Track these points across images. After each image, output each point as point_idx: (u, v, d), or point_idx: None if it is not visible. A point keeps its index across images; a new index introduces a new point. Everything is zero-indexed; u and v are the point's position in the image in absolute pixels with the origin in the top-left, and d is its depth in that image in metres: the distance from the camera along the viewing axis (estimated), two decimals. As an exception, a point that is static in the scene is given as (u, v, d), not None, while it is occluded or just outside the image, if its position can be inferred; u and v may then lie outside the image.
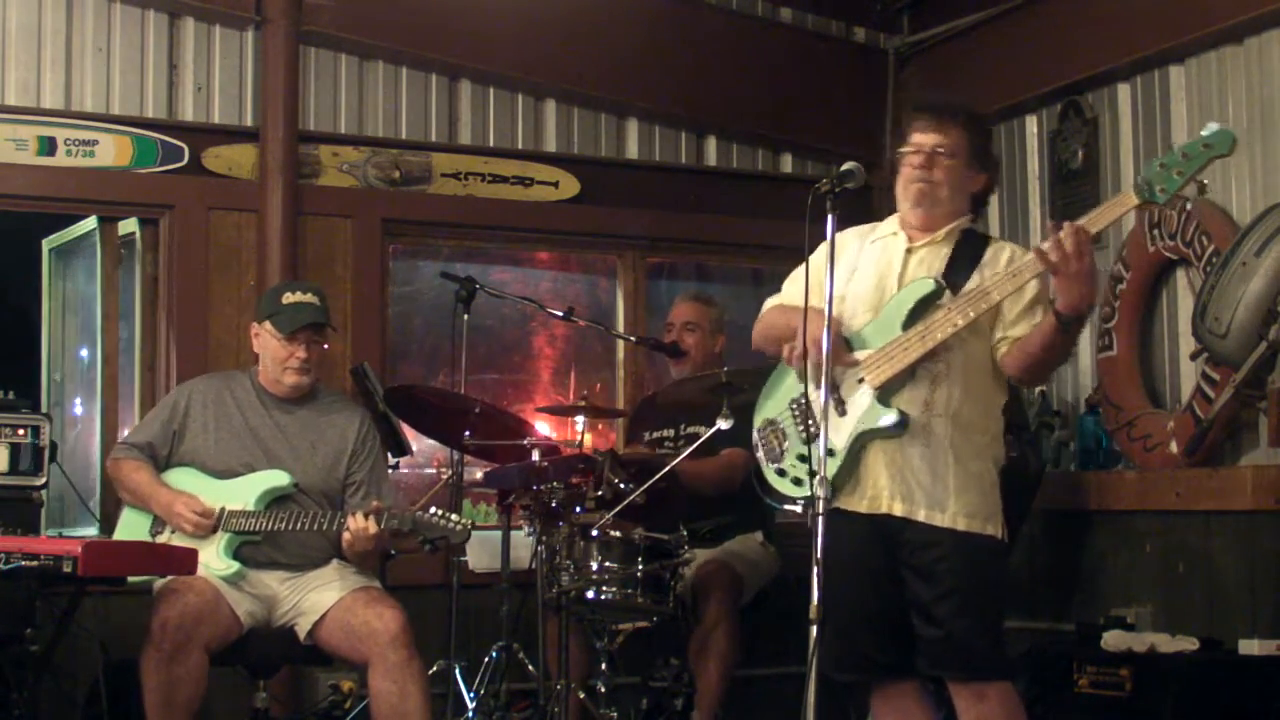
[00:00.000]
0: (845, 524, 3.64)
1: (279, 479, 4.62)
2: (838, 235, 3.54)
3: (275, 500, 4.60)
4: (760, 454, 3.96)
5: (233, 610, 4.47)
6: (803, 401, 3.80)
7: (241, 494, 4.60)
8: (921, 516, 3.66)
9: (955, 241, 3.80)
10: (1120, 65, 5.57)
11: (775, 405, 3.95)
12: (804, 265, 3.82)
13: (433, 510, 4.44)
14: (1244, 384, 4.88)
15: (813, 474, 3.43)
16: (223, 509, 4.57)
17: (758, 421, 3.99)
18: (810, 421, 3.76)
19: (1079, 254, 3.43)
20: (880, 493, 3.70)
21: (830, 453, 3.59)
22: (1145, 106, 5.56)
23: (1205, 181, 3.45)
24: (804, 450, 3.76)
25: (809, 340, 3.62)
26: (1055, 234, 3.46)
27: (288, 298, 4.75)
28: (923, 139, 3.80)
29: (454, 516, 4.44)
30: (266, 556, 4.60)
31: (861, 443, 3.71)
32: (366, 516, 4.45)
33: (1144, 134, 5.56)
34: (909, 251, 3.83)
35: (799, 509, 3.77)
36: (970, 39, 6.25)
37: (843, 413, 3.71)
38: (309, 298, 4.76)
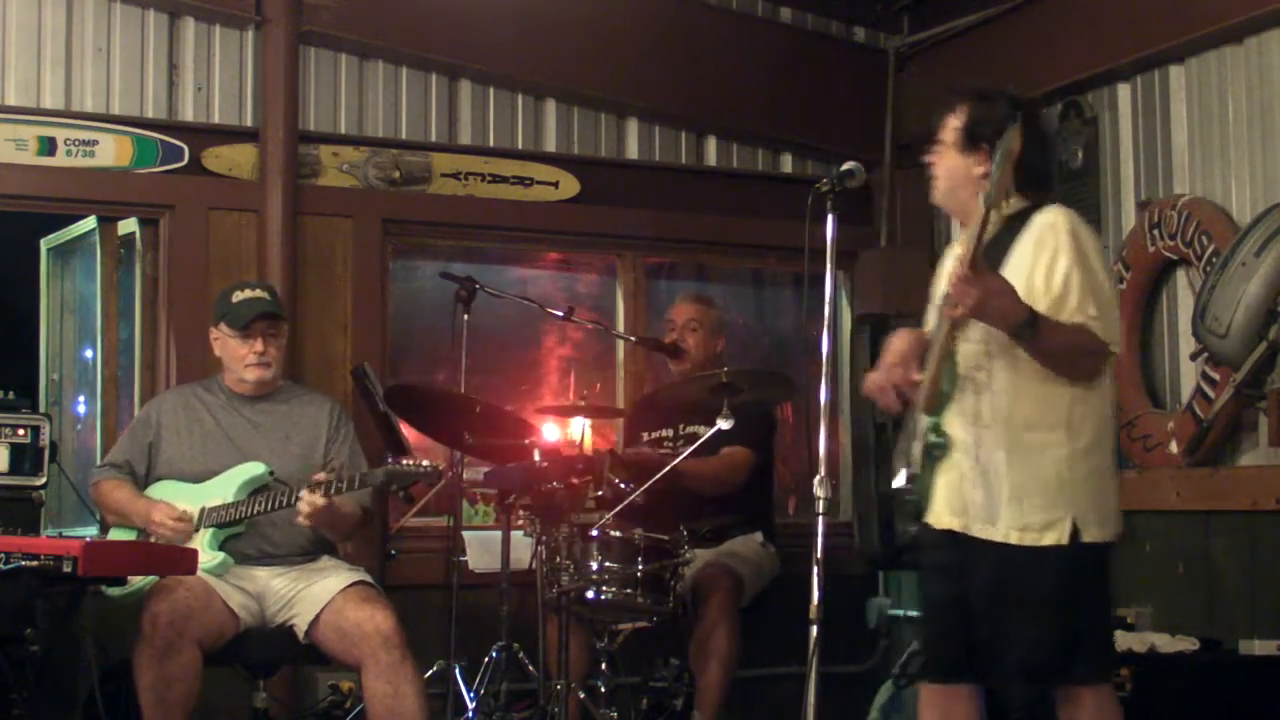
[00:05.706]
0: (928, 535, 3.70)
1: (255, 469, 4.65)
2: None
3: (254, 491, 4.62)
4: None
5: (225, 605, 4.47)
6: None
7: (221, 490, 4.63)
8: (975, 531, 3.61)
9: (995, 233, 3.58)
10: (1120, 65, 5.56)
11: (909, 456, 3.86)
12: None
13: (404, 461, 4.49)
14: (1244, 384, 4.89)
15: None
16: (203, 508, 4.60)
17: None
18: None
19: (962, 298, 3.38)
20: (940, 507, 3.68)
21: (914, 477, 3.66)
22: (1145, 106, 5.56)
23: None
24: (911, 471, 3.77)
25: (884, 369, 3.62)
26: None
27: (237, 296, 4.79)
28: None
29: (424, 462, 4.48)
30: (255, 549, 4.63)
31: (928, 459, 3.68)
32: (313, 490, 4.43)
33: (1144, 134, 5.56)
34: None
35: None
36: (970, 39, 6.25)
37: (914, 434, 3.70)
38: (259, 293, 4.81)
